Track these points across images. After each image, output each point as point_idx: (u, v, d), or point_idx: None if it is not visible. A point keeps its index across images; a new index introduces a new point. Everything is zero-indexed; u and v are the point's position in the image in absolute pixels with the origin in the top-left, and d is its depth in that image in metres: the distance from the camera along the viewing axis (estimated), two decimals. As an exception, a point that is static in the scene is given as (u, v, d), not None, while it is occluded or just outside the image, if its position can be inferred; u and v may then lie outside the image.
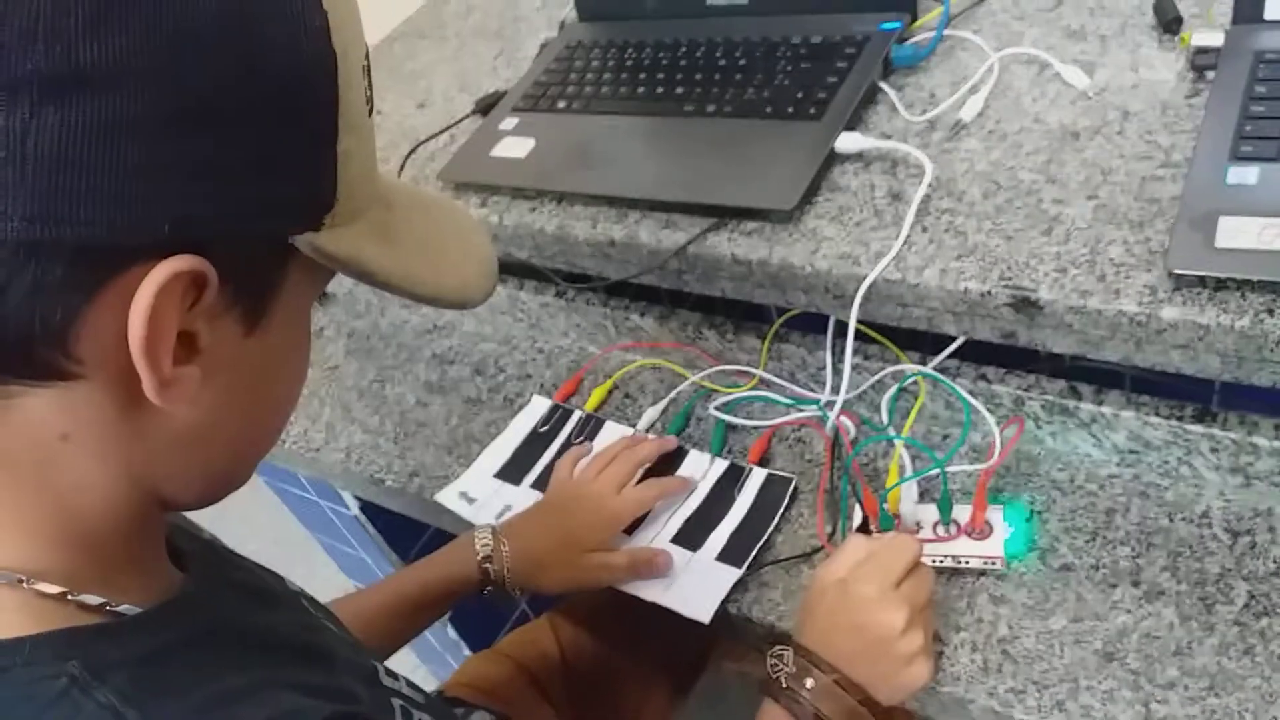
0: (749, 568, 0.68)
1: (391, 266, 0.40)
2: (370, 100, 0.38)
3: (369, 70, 0.38)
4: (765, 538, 0.70)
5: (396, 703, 0.46)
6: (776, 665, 0.58)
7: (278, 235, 0.36)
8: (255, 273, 0.36)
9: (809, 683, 0.56)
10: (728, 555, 0.70)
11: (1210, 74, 0.69)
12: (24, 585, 0.35)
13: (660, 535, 0.73)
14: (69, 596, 0.35)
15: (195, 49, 0.31)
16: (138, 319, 0.32)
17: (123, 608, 0.36)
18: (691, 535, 0.72)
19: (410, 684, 0.50)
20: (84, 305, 0.31)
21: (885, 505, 0.66)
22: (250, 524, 1.92)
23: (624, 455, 0.75)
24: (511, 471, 0.82)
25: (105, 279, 0.31)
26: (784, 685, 0.57)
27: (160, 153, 0.31)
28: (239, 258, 0.34)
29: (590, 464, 0.76)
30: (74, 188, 0.30)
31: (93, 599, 0.36)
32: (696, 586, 0.68)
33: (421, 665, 1.46)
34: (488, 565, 0.72)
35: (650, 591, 0.69)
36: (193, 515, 0.46)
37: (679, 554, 0.71)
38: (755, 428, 0.78)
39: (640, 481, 0.75)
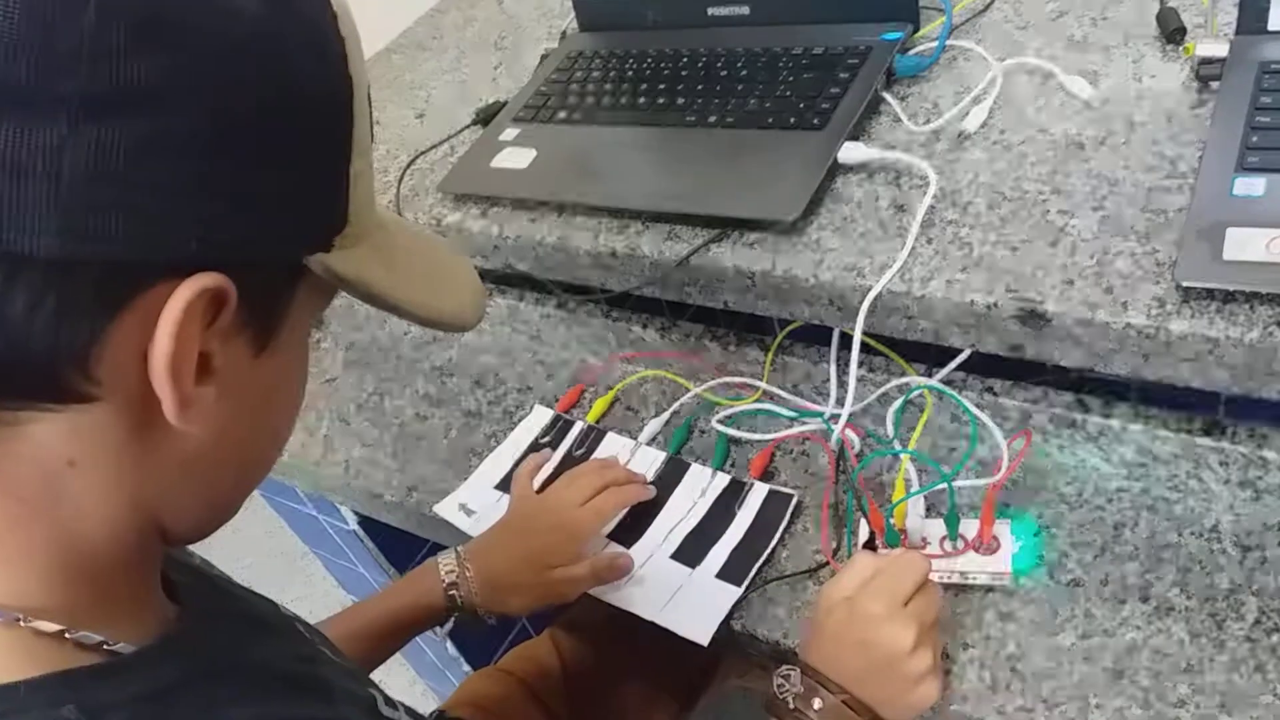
0: (749, 586, 0.67)
1: (394, 288, 0.40)
2: (372, 126, 0.39)
3: (370, 97, 0.39)
4: (766, 555, 0.69)
5: None
6: (783, 685, 0.57)
7: (294, 255, 0.36)
8: (269, 293, 0.36)
9: (816, 703, 0.56)
10: (728, 573, 0.69)
11: (1215, 84, 0.69)
12: (21, 624, 0.34)
13: (659, 551, 0.72)
14: (66, 635, 0.35)
15: (232, 70, 0.32)
16: (165, 335, 0.32)
17: (119, 646, 0.36)
18: (691, 552, 0.71)
19: (409, 711, 0.49)
20: (108, 325, 0.31)
21: (891, 520, 0.65)
22: (247, 539, 1.91)
23: (591, 471, 0.75)
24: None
25: (130, 298, 0.31)
26: (791, 706, 0.56)
27: (193, 172, 0.31)
28: (256, 277, 0.35)
29: (559, 480, 0.76)
30: (107, 205, 0.30)
31: (90, 637, 0.35)
32: (695, 606, 0.67)
33: (419, 680, 1.44)
34: (454, 592, 0.72)
35: (648, 610, 0.68)
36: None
37: (678, 571, 0.70)
38: (758, 441, 0.77)
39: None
